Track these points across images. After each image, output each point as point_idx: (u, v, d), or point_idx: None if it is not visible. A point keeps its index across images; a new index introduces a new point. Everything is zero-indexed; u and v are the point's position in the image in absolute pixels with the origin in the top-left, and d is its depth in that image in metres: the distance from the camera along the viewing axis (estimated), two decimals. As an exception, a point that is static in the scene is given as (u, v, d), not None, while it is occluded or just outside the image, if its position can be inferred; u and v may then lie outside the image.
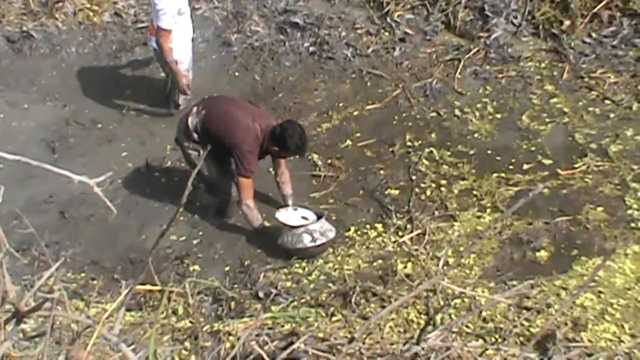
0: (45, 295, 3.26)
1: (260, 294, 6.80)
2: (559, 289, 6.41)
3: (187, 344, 5.61)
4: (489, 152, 8.57)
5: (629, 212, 7.53)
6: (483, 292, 6.46)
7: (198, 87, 9.32)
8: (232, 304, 6.64)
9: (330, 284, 6.92)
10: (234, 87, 9.95)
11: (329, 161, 8.72)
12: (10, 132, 9.37)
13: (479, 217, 7.70)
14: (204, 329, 5.82)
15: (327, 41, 10.34)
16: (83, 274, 7.48)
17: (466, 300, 6.27)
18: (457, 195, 8.03)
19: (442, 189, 8.13)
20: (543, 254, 7.16)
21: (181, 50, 8.94)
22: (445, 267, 6.79)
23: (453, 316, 6.11)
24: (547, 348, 5.56)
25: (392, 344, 5.50)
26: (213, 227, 8.04)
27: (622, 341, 5.76)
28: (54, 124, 9.52)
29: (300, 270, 7.29)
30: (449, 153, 8.59)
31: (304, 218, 7.67)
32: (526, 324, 5.91)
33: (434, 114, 9.25)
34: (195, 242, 7.88)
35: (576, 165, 8.17)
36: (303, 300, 6.56)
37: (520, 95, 9.32)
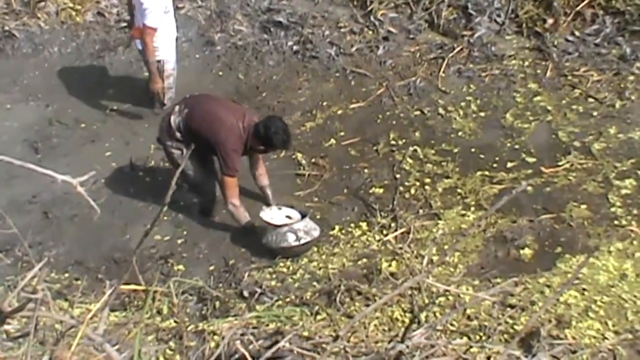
0: (28, 295, 3.25)
1: (245, 293, 6.80)
2: (543, 286, 6.43)
3: (171, 343, 5.60)
4: (473, 150, 8.58)
5: (612, 209, 7.56)
6: (467, 289, 6.48)
7: (182, 86, 9.29)
8: (217, 303, 6.63)
9: (314, 283, 6.93)
10: (218, 86, 9.93)
11: (313, 160, 8.71)
12: (-7, 132, 9.33)
13: (463, 215, 7.71)
14: (189, 328, 5.81)
15: (310, 40, 10.33)
16: (67, 274, 7.45)
17: (450, 298, 6.28)
18: (441, 193, 8.04)
19: (426, 187, 8.13)
20: (527, 251, 7.18)
21: (166, 49, 8.92)
22: (429, 265, 6.79)
23: (437, 314, 6.12)
24: (531, 345, 5.58)
25: (376, 342, 5.51)
26: (197, 226, 8.02)
27: (606, 338, 5.79)
28: (37, 124, 9.47)
29: (284, 269, 7.28)
30: (433, 151, 8.60)
31: (288, 217, 7.66)
32: (510, 321, 5.93)
33: (417, 112, 9.26)
34: (179, 241, 7.86)
35: (560, 163, 8.19)
36: (288, 299, 6.56)
37: (504, 94, 9.34)
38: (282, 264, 7.36)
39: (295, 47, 10.35)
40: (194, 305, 6.68)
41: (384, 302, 5.95)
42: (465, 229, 7.44)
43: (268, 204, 7.92)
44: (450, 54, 9.95)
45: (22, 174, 8.10)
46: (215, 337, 5.60)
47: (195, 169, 7.83)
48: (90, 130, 9.40)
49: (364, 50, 10.23)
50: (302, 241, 7.39)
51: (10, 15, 10.60)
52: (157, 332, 5.80)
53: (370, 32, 10.39)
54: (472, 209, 7.77)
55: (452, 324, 5.92)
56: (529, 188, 7.83)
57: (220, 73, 10.23)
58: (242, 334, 5.24)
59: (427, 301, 6.19)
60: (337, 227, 7.82)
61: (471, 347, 5.12)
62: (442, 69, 9.79)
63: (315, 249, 7.54)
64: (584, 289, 6.31)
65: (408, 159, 8.51)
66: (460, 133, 8.85)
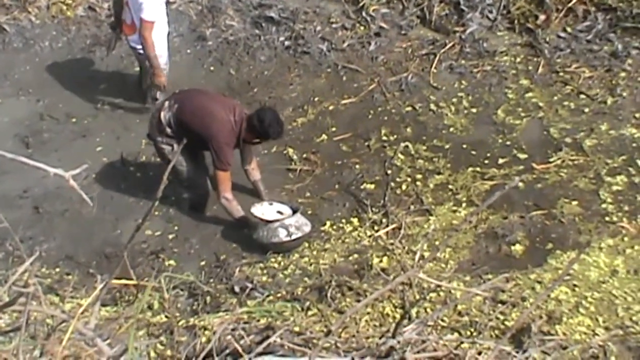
0: (19, 290, 3.24)
1: (236, 289, 6.79)
2: (534, 282, 6.44)
3: (162, 338, 5.59)
4: (464, 146, 8.59)
5: (603, 206, 7.58)
6: (458, 285, 6.48)
7: (173, 81, 9.26)
8: (208, 298, 6.63)
9: (306, 278, 6.93)
10: (209, 81, 9.91)
11: (304, 155, 8.71)
12: (-16, 127, 9.30)
13: (454, 211, 7.73)
14: (180, 323, 5.81)
15: (302, 35, 10.32)
16: (58, 269, 7.44)
17: (442, 293, 6.28)
18: (432, 189, 8.05)
19: (418, 183, 8.14)
20: (518, 247, 7.20)
21: (159, 44, 8.88)
22: (420, 261, 6.81)
23: (429, 310, 6.12)
24: (522, 341, 5.58)
25: (368, 337, 5.51)
26: (188, 221, 8.02)
27: (597, 334, 5.80)
28: (28, 118, 9.44)
29: (276, 265, 7.29)
30: (424, 147, 8.60)
31: (280, 212, 7.66)
32: (501, 317, 5.93)
33: (409, 108, 9.26)
34: (170, 236, 7.86)
35: (551, 160, 8.21)
36: (279, 295, 6.55)
37: (496, 90, 9.34)
38: (273, 260, 7.37)
39: (286, 43, 10.33)
40: (185, 301, 6.67)
41: (375, 298, 5.95)
42: (457, 225, 7.45)
43: (261, 199, 7.92)
44: (442, 50, 9.94)
45: (13, 169, 8.07)
46: (207, 332, 5.60)
47: (186, 164, 7.81)
48: (81, 125, 9.38)
49: (355, 46, 10.22)
50: (294, 237, 7.40)
51: (1, 10, 10.57)
52: (148, 327, 5.80)
53: (362, 28, 10.38)
54: (464, 205, 7.78)
55: (443, 320, 5.92)
56: (520, 184, 7.85)
57: (212, 68, 10.21)
58: (233, 329, 5.22)
59: (418, 297, 6.19)
60: (328, 223, 7.83)
61: (462, 342, 5.12)
62: (433, 65, 9.78)
63: (307, 244, 7.54)
64: (574, 285, 6.32)
65: (399, 155, 8.52)
66: (451, 129, 8.85)
